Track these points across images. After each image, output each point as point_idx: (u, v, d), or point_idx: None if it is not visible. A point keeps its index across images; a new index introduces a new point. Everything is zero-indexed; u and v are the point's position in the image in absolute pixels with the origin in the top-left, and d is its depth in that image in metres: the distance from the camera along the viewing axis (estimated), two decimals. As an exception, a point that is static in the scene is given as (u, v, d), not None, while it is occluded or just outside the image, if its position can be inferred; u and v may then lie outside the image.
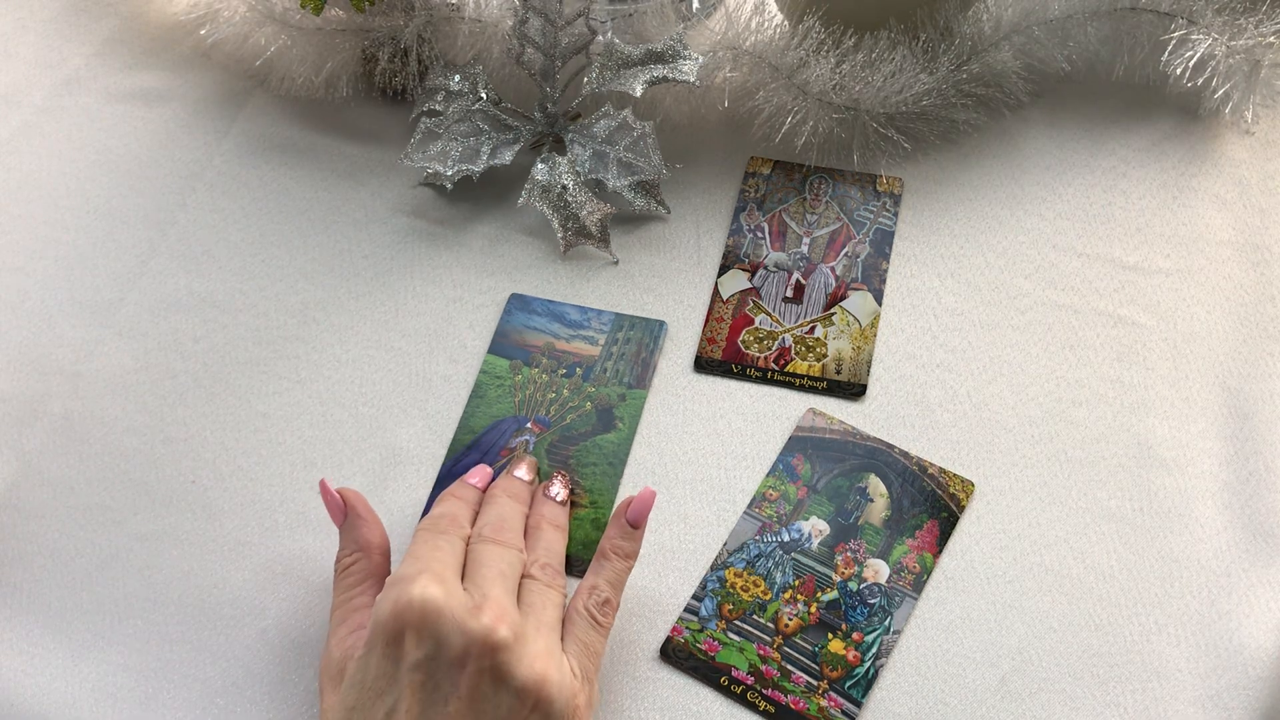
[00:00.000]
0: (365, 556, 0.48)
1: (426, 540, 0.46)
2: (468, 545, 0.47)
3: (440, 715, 0.40)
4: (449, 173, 0.63)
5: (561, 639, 0.45)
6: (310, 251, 0.64)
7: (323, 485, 0.49)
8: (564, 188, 0.62)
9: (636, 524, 0.48)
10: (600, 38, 0.63)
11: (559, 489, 0.52)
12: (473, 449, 0.56)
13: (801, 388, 0.57)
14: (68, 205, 0.67)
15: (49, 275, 0.64)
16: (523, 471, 0.52)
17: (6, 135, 0.71)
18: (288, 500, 0.55)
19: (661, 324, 0.59)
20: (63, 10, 0.78)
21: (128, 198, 0.67)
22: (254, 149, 0.69)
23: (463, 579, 0.44)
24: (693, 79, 0.62)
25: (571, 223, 0.62)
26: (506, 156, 0.63)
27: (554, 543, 0.49)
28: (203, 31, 0.71)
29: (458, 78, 0.65)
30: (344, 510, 0.49)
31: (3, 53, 0.75)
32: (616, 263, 0.63)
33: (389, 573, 0.48)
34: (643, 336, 0.59)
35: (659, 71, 0.62)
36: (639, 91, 0.61)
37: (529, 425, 0.56)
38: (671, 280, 0.62)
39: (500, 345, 0.59)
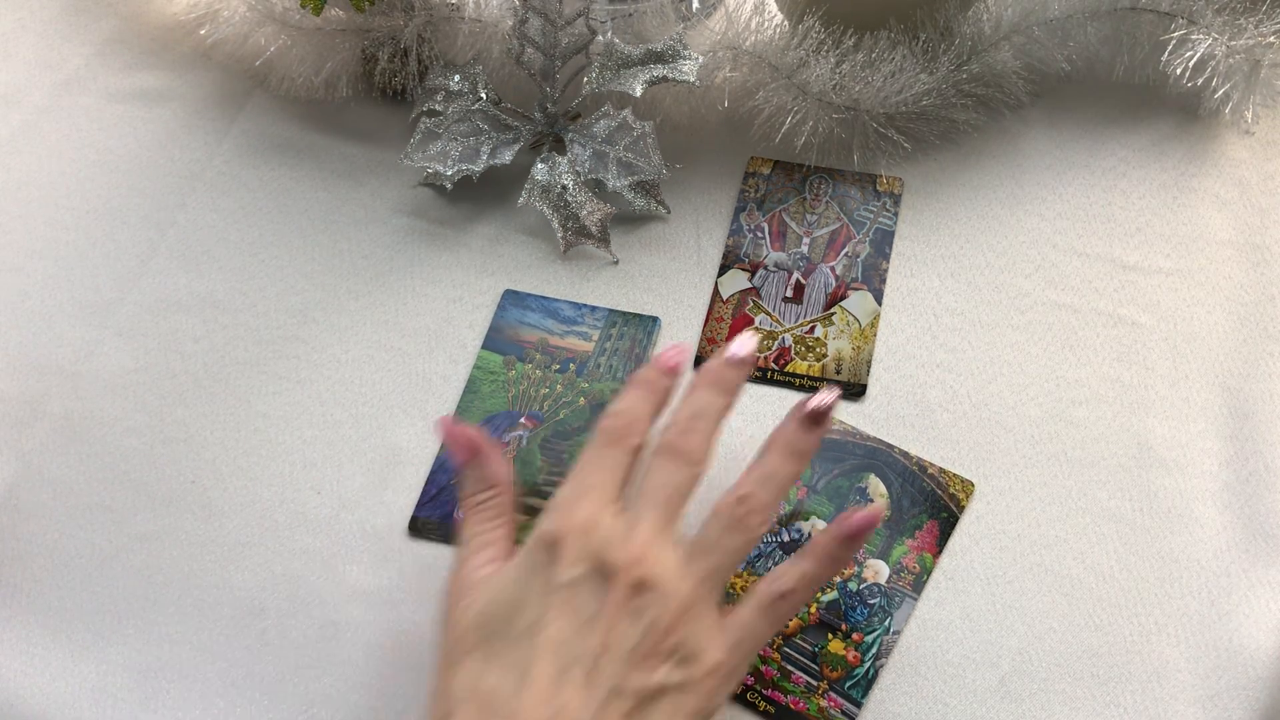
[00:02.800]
0: (497, 493, 0.47)
1: (593, 457, 0.45)
2: (644, 452, 0.45)
3: (581, 634, 0.40)
4: (449, 173, 0.63)
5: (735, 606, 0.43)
6: (310, 251, 0.64)
7: (444, 423, 0.47)
8: (564, 188, 0.62)
9: (855, 539, 0.44)
10: (600, 38, 0.63)
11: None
12: None
13: (801, 388, 0.57)
14: (68, 205, 0.67)
15: (49, 275, 0.64)
16: (739, 348, 0.47)
17: (6, 135, 0.71)
18: (288, 500, 0.55)
19: (655, 320, 0.59)
20: (63, 10, 0.78)
21: (128, 198, 0.67)
22: (254, 149, 0.69)
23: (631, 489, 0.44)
24: (693, 79, 0.62)
25: (571, 223, 0.62)
26: (506, 156, 0.63)
27: (778, 471, 0.45)
28: (203, 31, 0.71)
29: (458, 78, 0.65)
30: (472, 448, 0.47)
31: (3, 53, 0.75)
32: (616, 263, 0.63)
33: (515, 510, 0.47)
34: (636, 332, 0.59)
35: (659, 71, 0.62)
36: (639, 91, 0.61)
37: (522, 420, 0.56)
38: (671, 280, 0.62)
39: (494, 341, 0.59)
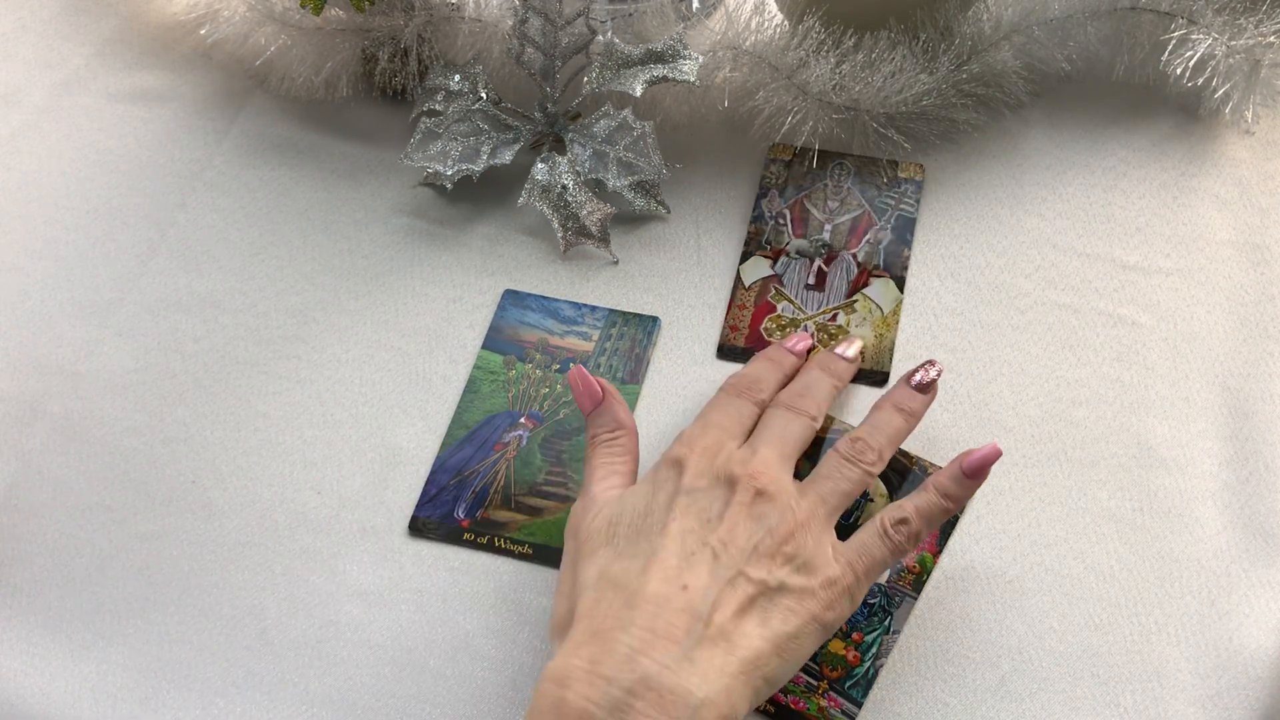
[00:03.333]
0: (623, 434, 0.50)
1: (721, 403, 0.50)
2: (764, 411, 0.50)
3: (704, 527, 0.44)
4: (449, 173, 0.63)
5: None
6: (310, 251, 0.64)
7: (577, 371, 0.51)
8: (564, 188, 0.62)
9: (973, 475, 0.47)
10: (600, 38, 0.63)
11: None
12: (466, 443, 0.56)
13: None
14: (68, 205, 0.67)
15: (49, 275, 0.64)
16: (847, 349, 0.55)
17: (6, 135, 0.71)
18: (288, 500, 0.55)
19: (655, 320, 0.59)
20: (63, 10, 0.78)
21: (128, 198, 0.67)
22: (254, 149, 0.69)
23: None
24: (693, 79, 0.62)
25: (571, 223, 0.62)
26: (506, 156, 0.63)
27: (878, 424, 0.50)
28: (203, 31, 0.71)
29: (458, 78, 0.65)
30: (599, 397, 0.51)
31: (3, 53, 0.75)
32: (616, 262, 0.63)
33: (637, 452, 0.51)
34: (636, 332, 0.59)
35: (659, 71, 0.62)
36: (639, 91, 0.61)
37: (523, 420, 0.56)
38: (671, 280, 0.62)
39: (494, 340, 0.59)
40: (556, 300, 0.61)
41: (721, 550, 0.43)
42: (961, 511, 0.52)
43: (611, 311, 0.60)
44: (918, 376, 0.51)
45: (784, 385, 0.53)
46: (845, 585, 0.44)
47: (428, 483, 0.55)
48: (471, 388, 0.58)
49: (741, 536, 0.43)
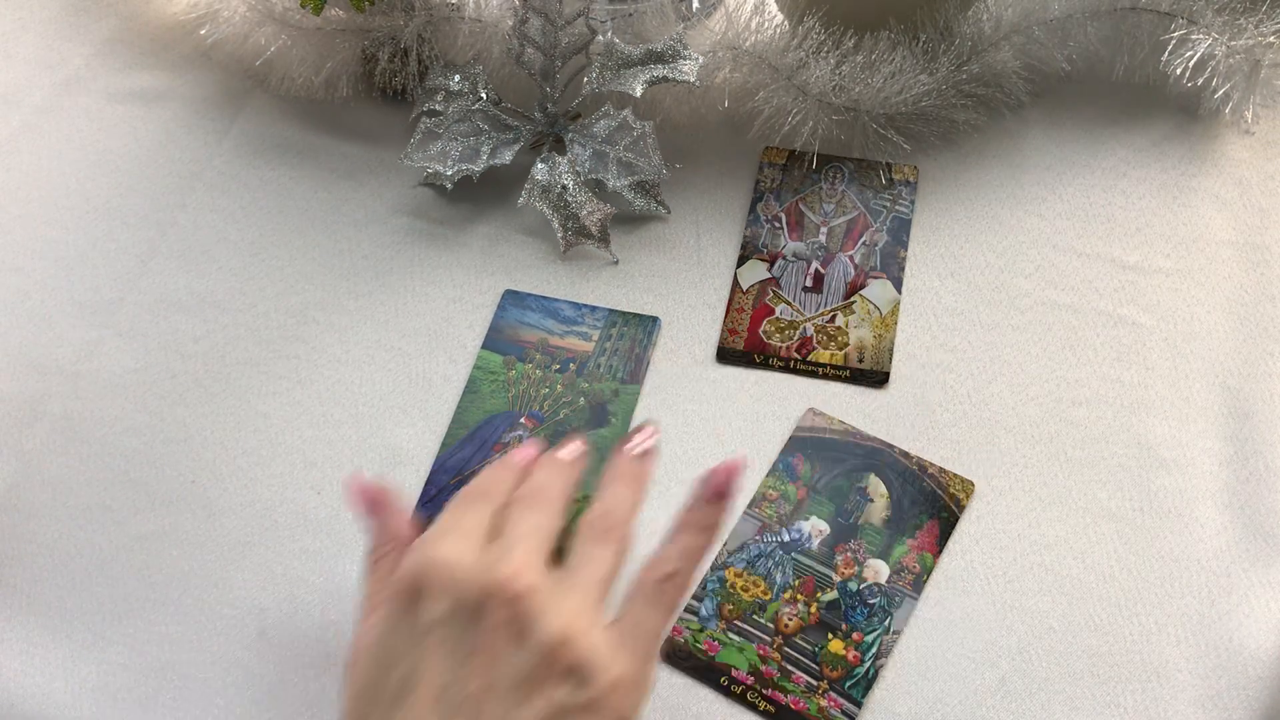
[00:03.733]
0: (399, 550, 0.44)
1: (455, 508, 0.42)
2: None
3: (459, 676, 0.37)
4: (449, 173, 0.63)
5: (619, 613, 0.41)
6: (310, 251, 0.64)
7: (354, 480, 0.46)
8: (564, 188, 0.62)
9: (717, 499, 0.42)
10: (600, 38, 0.63)
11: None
12: (466, 443, 0.56)
13: (825, 376, 0.57)
14: (68, 205, 0.67)
15: (49, 275, 0.64)
16: (568, 453, 0.46)
17: (6, 135, 0.71)
18: (288, 500, 0.55)
19: (655, 320, 0.59)
20: (63, 10, 0.78)
21: (128, 198, 0.67)
22: (254, 149, 0.69)
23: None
24: (693, 79, 0.62)
25: (571, 223, 0.62)
26: (506, 156, 0.63)
27: (613, 497, 0.43)
28: (203, 31, 0.71)
29: (458, 78, 0.65)
30: (374, 502, 0.45)
31: (3, 53, 0.75)
32: (616, 263, 0.63)
33: None
34: (636, 332, 0.59)
35: (659, 71, 0.62)
36: (639, 91, 0.61)
37: (522, 421, 0.56)
38: (671, 280, 0.62)
39: (494, 341, 0.59)
40: (556, 300, 0.61)
41: (486, 698, 0.36)
42: (961, 511, 0.52)
43: (611, 312, 0.60)
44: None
45: (516, 487, 0.44)
46: (633, 679, 0.39)
47: (427, 483, 0.55)
48: (471, 388, 0.58)
49: (504, 671, 0.37)
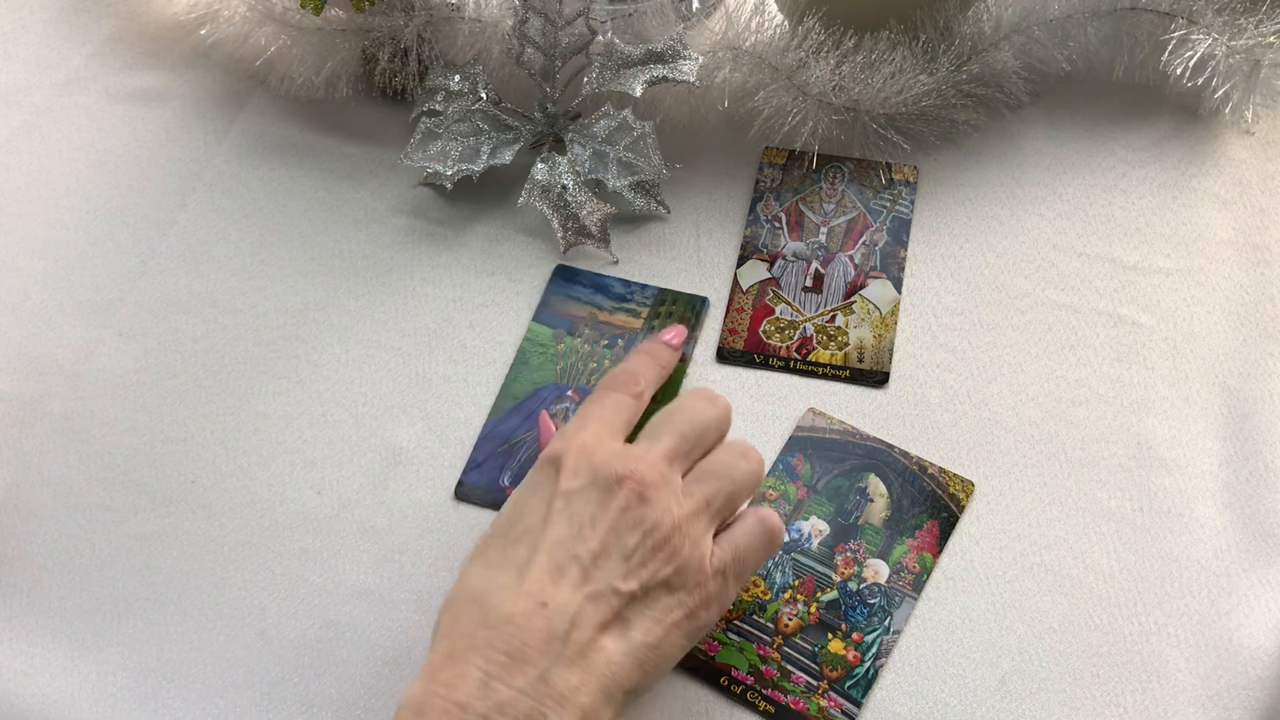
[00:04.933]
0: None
1: (599, 398, 0.49)
2: (644, 405, 0.50)
3: (580, 535, 0.42)
4: (449, 173, 0.63)
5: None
6: (310, 251, 0.64)
7: (545, 417, 0.53)
8: (564, 188, 0.62)
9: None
10: (600, 38, 0.63)
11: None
12: (514, 413, 0.57)
13: (825, 376, 0.57)
14: (68, 205, 0.67)
15: (49, 275, 0.64)
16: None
17: (6, 135, 0.71)
18: (288, 500, 0.55)
19: (704, 299, 0.60)
20: (63, 10, 0.78)
21: (128, 198, 0.67)
22: (254, 149, 0.69)
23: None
24: (693, 79, 0.62)
25: (571, 223, 0.62)
26: (506, 156, 0.63)
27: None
28: (203, 31, 0.71)
29: (458, 78, 0.65)
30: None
31: (3, 53, 0.75)
32: (616, 262, 0.63)
33: None
34: (685, 311, 0.59)
35: (659, 71, 0.62)
36: (639, 91, 0.61)
37: (569, 393, 0.57)
38: (671, 280, 0.62)
39: (544, 314, 0.60)
40: (606, 276, 0.61)
41: (591, 564, 0.42)
42: (961, 511, 0.52)
43: (661, 290, 0.60)
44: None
45: (661, 379, 0.53)
46: (714, 591, 0.44)
47: (475, 449, 0.56)
48: (521, 359, 0.58)
49: (614, 546, 0.42)
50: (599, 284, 0.61)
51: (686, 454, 0.46)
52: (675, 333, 0.55)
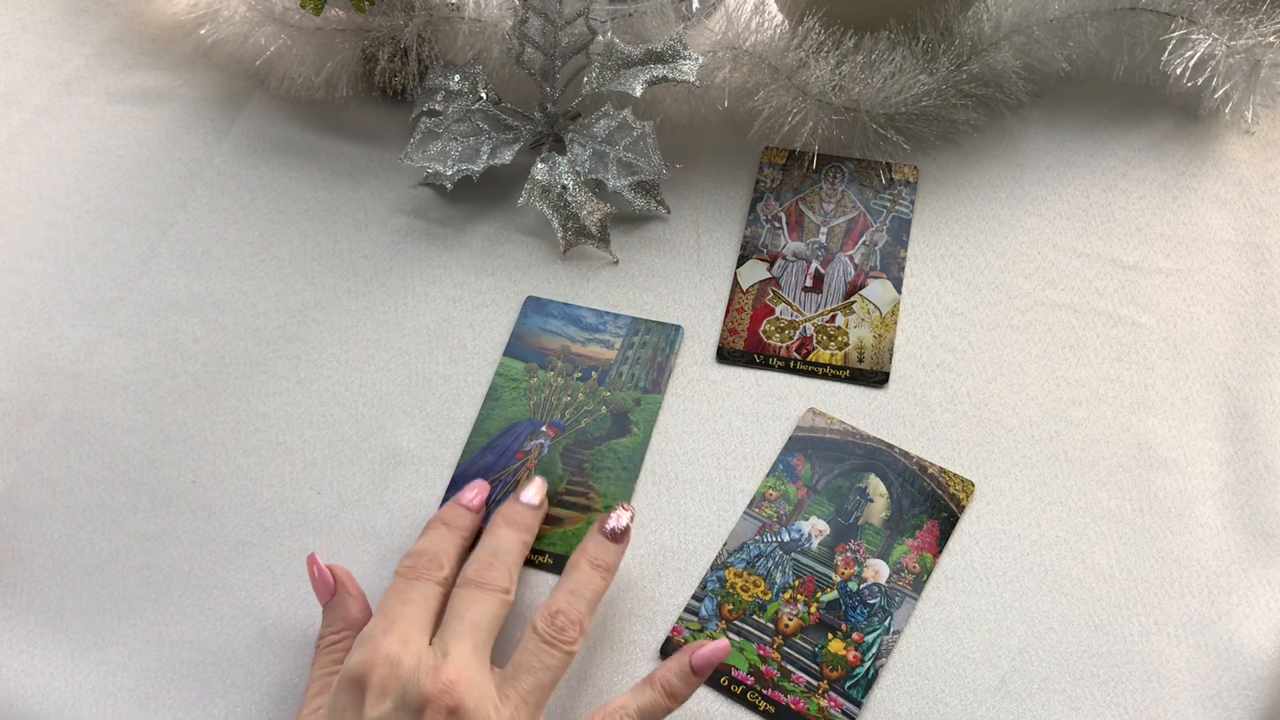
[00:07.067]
0: (351, 634, 0.47)
1: (399, 591, 0.45)
2: (451, 588, 0.46)
3: None
4: (449, 173, 0.63)
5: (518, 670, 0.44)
6: (310, 251, 0.64)
7: (312, 560, 0.48)
8: (564, 188, 0.62)
9: (700, 672, 0.45)
10: (600, 38, 0.63)
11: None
12: (487, 451, 0.56)
13: (825, 376, 0.57)
14: (68, 205, 0.67)
15: (49, 275, 0.64)
16: (530, 495, 0.51)
17: (6, 135, 0.71)
18: (288, 500, 0.55)
19: (678, 328, 0.59)
20: (63, 10, 0.78)
21: (128, 198, 0.67)
22: (254, 149, 0.69)
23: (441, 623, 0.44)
24: (693, 79, 0.62)
25: (571, 223, 0.62)
26: (506, 156, 0.63)
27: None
28: (203, 31, 0.71)
29: (458, 78, 0.65)
30: (332, 588, 0.48)
31: (3, 53, 0.75)
32: (616, 262, 0.63)
33: None
34: (658, 341, 0.59)
35: (659, 71, 0.62)
36: (639, 91, 0.61)
37: (544, 429, 0.56)
38: (671, 280, 0.62)
39: (516, 348, 0.59)
40: (579, 307, 0.61)
41: None
42: (961, 511, 0.52)
43: (634, 319, 0.60)
44: (610, 524, 0.48)
45: (465, 552, 0.49)
46: None
47: (449, 490, 0.55)
48: (492, 395, 0.57)
49: None
50: (571, 315, 0.60)
51: (482, 647, 0.44)
52: (476, 490, 0.51)
